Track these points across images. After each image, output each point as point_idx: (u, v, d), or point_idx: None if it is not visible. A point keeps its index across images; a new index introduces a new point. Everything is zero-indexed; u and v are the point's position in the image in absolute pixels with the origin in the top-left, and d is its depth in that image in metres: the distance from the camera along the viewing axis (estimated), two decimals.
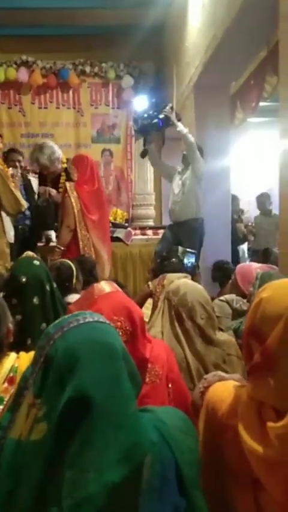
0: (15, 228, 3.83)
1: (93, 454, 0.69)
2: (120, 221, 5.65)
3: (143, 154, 4.55)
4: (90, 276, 2.65)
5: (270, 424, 0.79)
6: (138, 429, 0.75)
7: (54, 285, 1.72)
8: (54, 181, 3.79)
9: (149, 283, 2.13)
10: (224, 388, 0.99)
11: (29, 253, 2.02)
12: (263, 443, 0.78)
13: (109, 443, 0.70)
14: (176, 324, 1.68)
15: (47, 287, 1.66)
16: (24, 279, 1.62)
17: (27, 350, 1.31)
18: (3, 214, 3.45)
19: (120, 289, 1.34)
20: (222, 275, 4.14)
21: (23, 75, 6.20)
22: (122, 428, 0.71)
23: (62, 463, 0.70)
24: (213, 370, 1.60)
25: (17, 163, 4.34)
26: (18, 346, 1.40)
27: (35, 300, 1.62)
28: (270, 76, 4.05)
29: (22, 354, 1.26)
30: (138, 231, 5.48)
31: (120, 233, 5.31)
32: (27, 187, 4.46)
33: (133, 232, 5.33)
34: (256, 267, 2.53)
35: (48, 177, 3.89)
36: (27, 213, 4.40)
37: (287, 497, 0.76)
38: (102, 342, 0.78)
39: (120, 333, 1.09)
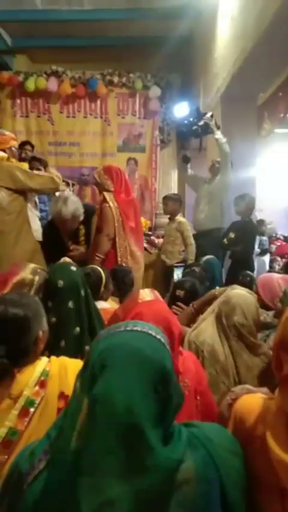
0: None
1: (113, 462, 0.67)
2: (144, 229, 5.68)
3: (186, 160, 4.62)
4: (123, 284, 2.69)
5: None
6: (167, 442, 0.74)
7: (89, 291, 1.76)
8: (73, 235, 3.55)
9: (217, 288, 2.18)
10: (252, 400, 1.00)
11: (66, 259, 2.06)
12: None
13: (131, 452, 0.68)
14: (217, 321, 1.78)
15: (82, 292, 1.70)
16: (61, 283, 1.67)
17: (60, 352, 1.34)
18: (30, 213, 3.52)
19: (161, 299, 1.35)
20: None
21: (52, 84, 6.35)
22: (144, 439, 0.69)
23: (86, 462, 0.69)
24: (245, 370, 1.66)
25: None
26: (52, 347, 1.44)
27: (70, 304, 1.65)
28: None
29: (53, 358, 1.29)
30: (161, 240, 5.50)
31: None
32: None
33: (156, 241, 5.36)
34: (278, 277, 2.51)
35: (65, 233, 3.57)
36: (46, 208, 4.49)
37: None
38: (137, 352, 0.74)
39: None
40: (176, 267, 4.27)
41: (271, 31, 3.29)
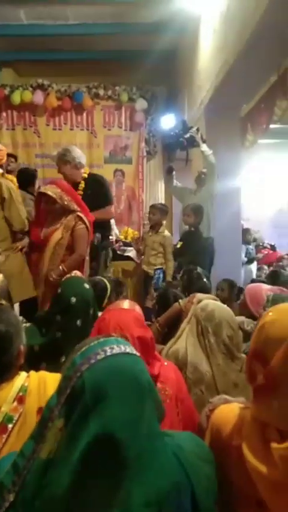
0: None
1: (120, 494, 0.67)
2: (131, 240, 5.70)
3: (169, 171, 4.67)
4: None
5: (274, 444, 0.80)
6: (167, 469, 0.74)
7: (97, 308, 1.77)
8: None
9: (180, 301, 2.16)
10: (229, 410, 1.01)
11: (77, 272, 2.06)
12: (267, 463, 0.79)
13: (137, 484, 0.68)
14: (201, 338, 1.73)
15: (91, 311, 1.70)
16: (73, 300, 1.67)
17: (60, 367, 1.34)
18: None
19: (137, 308, 1.39)
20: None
21: (38, 97, 6.37)
22: (150, 469, 0.70)
23: (84, 499, 0.68)
24: (231, 388, 1.65)
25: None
26: (52, 361, 1.44)
27: (78, 322, 1.66)
28: (280, 100, 4.12)
29: (32, 373, 1.29)
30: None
31: (130, 252, 5.38)
32: None
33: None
34: (266, 289, 2.51)
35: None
36: None
37: None
38: (130, 378, 0.75)
39: None
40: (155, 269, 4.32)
41: (252, 43, 3.34)
